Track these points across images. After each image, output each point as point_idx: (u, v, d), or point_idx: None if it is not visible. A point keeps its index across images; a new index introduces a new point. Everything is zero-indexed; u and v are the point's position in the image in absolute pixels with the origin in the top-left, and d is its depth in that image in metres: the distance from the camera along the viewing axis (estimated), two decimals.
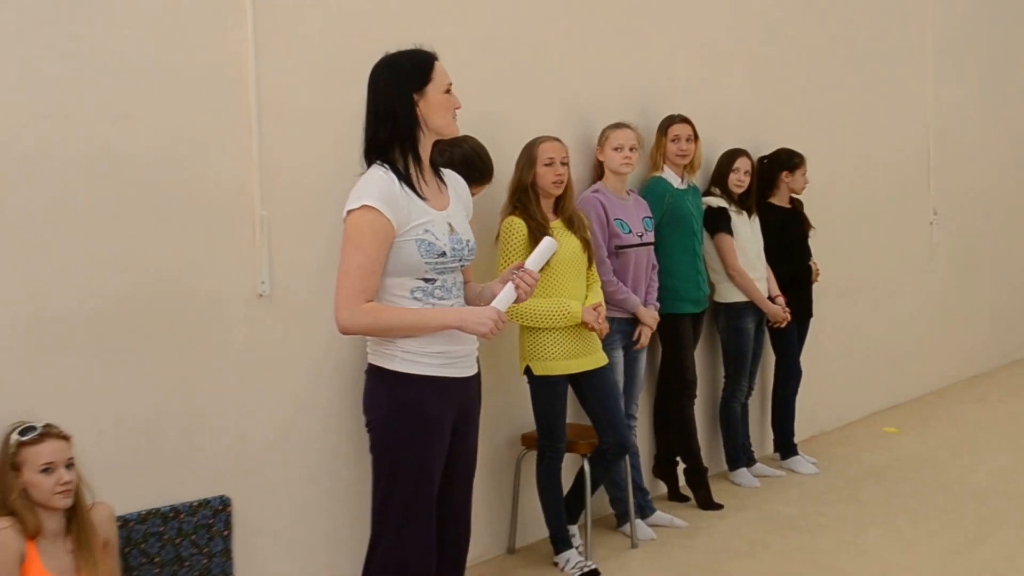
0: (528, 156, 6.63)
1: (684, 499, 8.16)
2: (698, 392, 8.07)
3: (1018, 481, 8.46)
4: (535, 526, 7.35)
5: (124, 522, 5.31)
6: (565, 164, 6.61)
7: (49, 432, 4.85)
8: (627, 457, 7.20)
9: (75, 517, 4.91)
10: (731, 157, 8.23)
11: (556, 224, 6.63)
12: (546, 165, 6.56)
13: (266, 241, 5.91)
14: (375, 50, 4.79)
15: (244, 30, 5.79)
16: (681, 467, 8.18)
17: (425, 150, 4.64)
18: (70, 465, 4.84)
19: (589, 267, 6.78)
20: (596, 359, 6.73)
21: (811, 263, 8.89)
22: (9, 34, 5.04)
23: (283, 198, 6.00)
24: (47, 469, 4.78)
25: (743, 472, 8.59)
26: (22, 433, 4.83)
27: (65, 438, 4.88)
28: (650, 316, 7.25)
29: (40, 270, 5.16)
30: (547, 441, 6.81)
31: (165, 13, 5.51)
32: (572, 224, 6.68)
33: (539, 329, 6.55)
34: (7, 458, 4.83)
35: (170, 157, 5.56)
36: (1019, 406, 11.07)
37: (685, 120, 7.74)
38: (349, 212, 4.48)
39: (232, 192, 5.81)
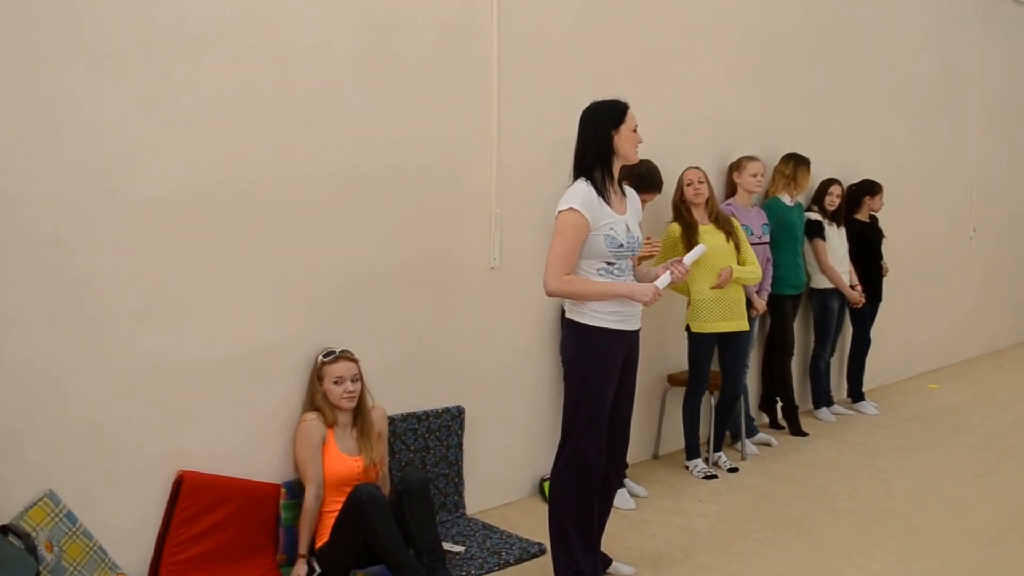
0: (679, 180, 6.76)
1: (780, 427, 8.21)
2: (794, 352, 8.16)
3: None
4: (673, 440, 7.44)
5: (392, 420, 5.50)
6: (702, 183, 6.68)
7: (342, 355, 5.09)
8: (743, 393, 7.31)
9: (359, 415, 5.16)
10: (827, 184, 8.28)
11: (707, 227, 6.71)
12: (688, 185, 6.71)
13: (498, 231, 6.08)
14: (583, 98, 4.85)
15: (490, 82, 5.95)
16: (779, 405, 8.24)
17: (615, 171, 4.75)
18: (355, 380, 5.06)
19: (738, 252, 6.80)
20: (738, 324, 6.79)
21: (882, 263, 8.93)
22: (343, 84, 5.31)
23: (511, 201, 6.14)
24: (338, 381, 5.03)
25: (824, 411, 8.61)
26: (324, 356, 5.09)
27: (354, 360, 5.10)
28: (759, 301, 7.35)
29: (350, 243, 5.37)
30: (695, 380, 6.92)
31: (438, 68, 5.68)
32: (719, 223, 6.74)
33: (700, 299, 6.70)
34: (315, 372, 5.11)
35: (436, 170, 5.73)
36: None
37: (808, 161, 7.92)
38: (560, 212, 4.59)
39: (477, 196, 5.97)
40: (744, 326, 6.85)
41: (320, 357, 5.16)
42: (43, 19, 4.25)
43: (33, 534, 4.11)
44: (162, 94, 4.64)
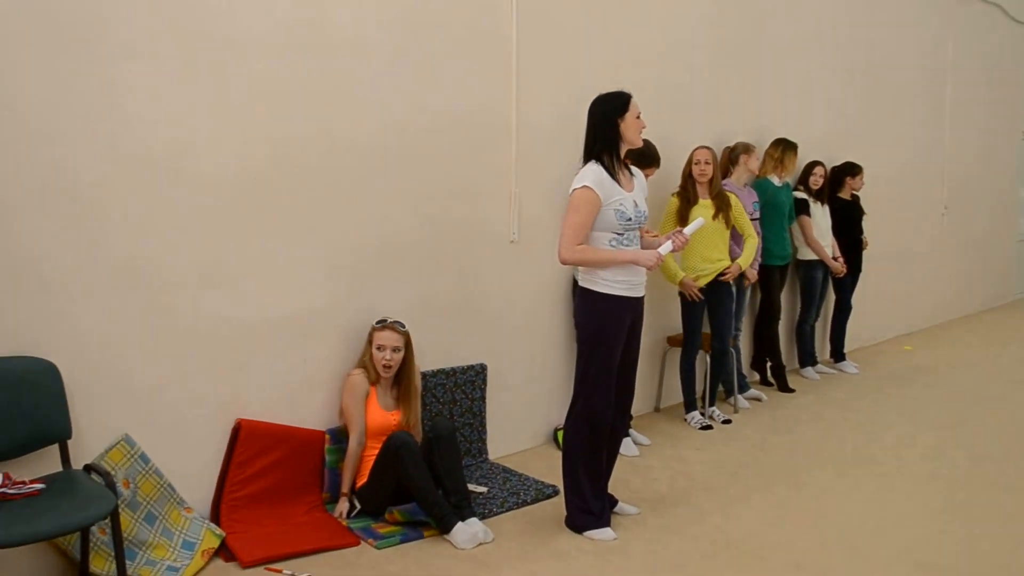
0: (688, 159, 6.82)
1: (769, 384, 8.28)
2: (781, 316, 8.21)
3: (989, 385, 8.47)
4: (672, 395, 7.53)
5: (423, 376, 5.60)
6: (709, 163, 6.72)
7: (389, 326, 5.17)
8: (733, 353, 7.39)
9: (401, 378, 5.24)
10: (811, 166, 8.32)
11: (705, 203, 6.78)
12: (695, 164, 6.76)
13: (516, 208, 6.17)
14: (591, 92, 4.93)
15: (510, 74, 6.03)
16: (768, 364, 8.34)
17: (622, 154, 4.81)
18: (397, 349, 5.14)
19: (727, 227, 6.88)
20: (716, 270, 6.92)
21: (863, 237, 8.98)
22: (379, 77, 5.42)
23: (528, 182, 6.21)
24: (380, 348, 5.13)
25: (809, 370, 8.69)
26: (377, 322, 5.19)
27: (400, 332, 5.19)
28: (751, 272, 7.40)
29: (387, 218, 5.46)
30: (688, 341, 7.00)
31: (463, 62, 5.77)
32: (718, 200, 6.80)
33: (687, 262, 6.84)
34: (369, 333, 5.23)
35: (462, 154, 5.81)
36: (994, 335, 10.96)
37: (795, 145, 8.00)
38: (574, 190, 4.66)
39: (498, 177, 6.05)
40: (722, 267, 6.92)
41: (374, 322, 5.28)
42: (114, 24, 4.34)
43: (112, 472, 4.25)
44: (218, 86, 4.74)
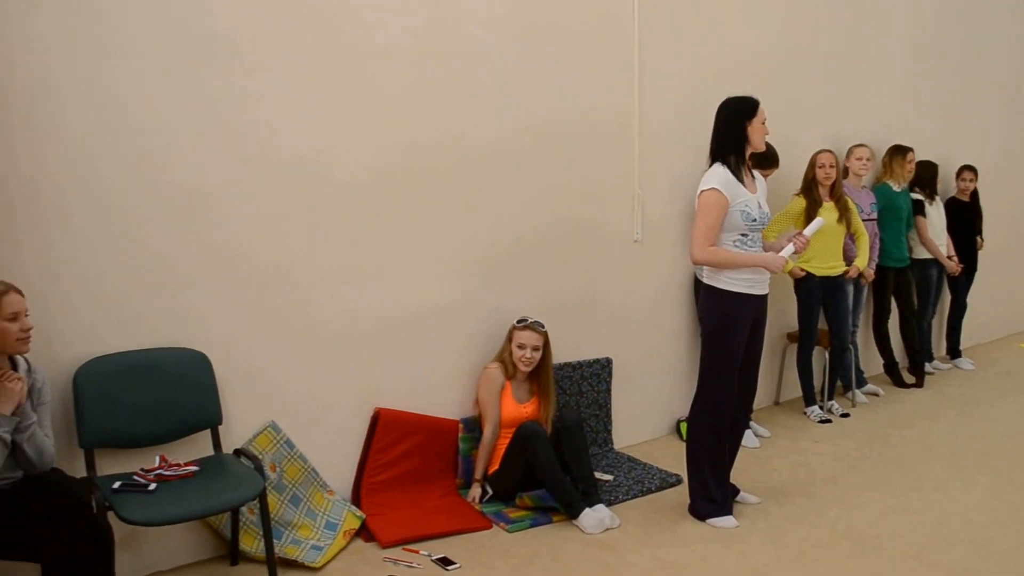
0: (811, 162, 6.61)
1: (905, 384, 7.96)
2: (901, 316, 8.02)
3: None
4: (792, 389, 7.31)
5: (554, 368, 5.44)
6: (833, 167, 6.53)
7: (530, 326, 5.12)
8: (851, 349, 7.16)
9: (538, 374, 5.20)
10: (930, 171, 8.12)
11: (828, 205, 6.57)
12: (819, 167, 6.55)
13: (640, 208, 6.04)
14: (711, 95, 4.87)
15: (632, 85, 5.91)
16: (880, 362, 8.13)
17: (747, 157, 4.69)
18: (536, 349, 5.08)
19: (848, 230, 6.69)
20: (837, 268, 6.74)
21: (978, 237, 8.69)
22: (506, 85, 5.39)
23: (651, 183, 6.07)
24: (520, 346, 5.07)
25: (925, 366, 8.40)
26: (518, 321, 5.14)
27: (540, 332, 5.12)
28: (867, 270, 7.13)
29: (517, 219, 5.42)
30: (805, 337, 6.80)
31: (589, 82, 5.68)
32: (838, 204, 6.59)
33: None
34: (509, 332, 5.17)
35: (589, 158, 5.73)
36: None
37: (907, 150, 7.76)
38: (702, 191, 4.56)
39: (621, 179, 5.92)
40: (841, 268, 6.74)
41: (515, 321, 5.23)
42: (258, 40, 4.37)
43: (260, 457, 4.25)
44: (354, 95, 4.72)
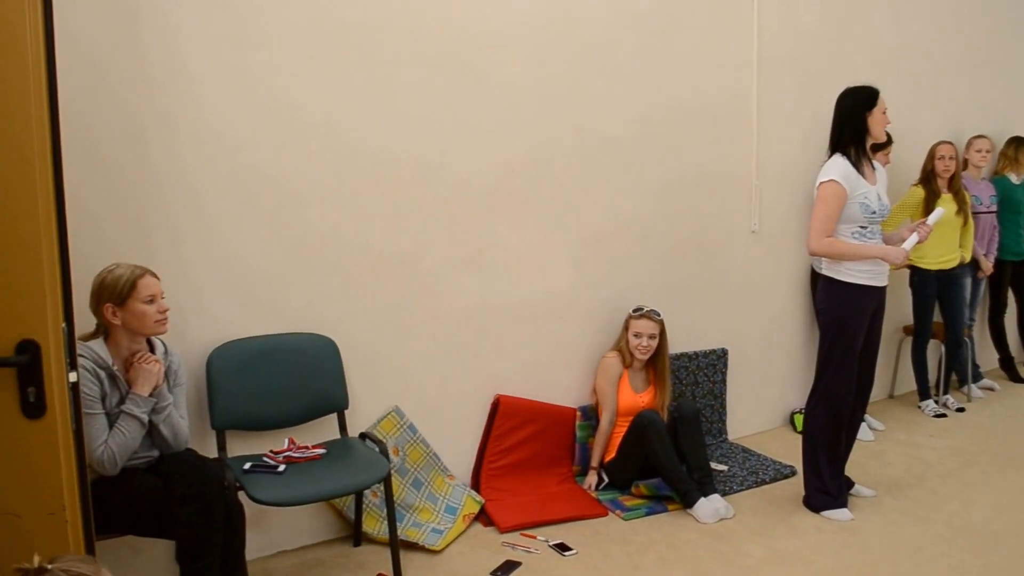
0: (930, 153, 6.40)
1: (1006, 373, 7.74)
2: (1019, 310, 7.70)
3: None
4: (907, 382, 7.11)
5: (670, 359, 5.33)
6: (953, 159, 6.31)
7: (646, 315, 5.04)
8: (967, 343, 6.92)
9: (655, 361, 5.10)
10: None
11: (947, 196, 6.36)
12: (939, 159, 6.34)
13: (758, 200, 5.89)
14: (828, 87, 4.74)
15: (751, 75, 5.76)
16: (996, 356, 7.85)
17: (867, 147, 4.54)
18: (652, 337, 5.00)
19: (964, 224, 6.48)
20: (952, 260, 6.52)
21: None
22: (628, 78, 5.30)
23: (768, 174, 5.93)
24: (637, 335, 4.99)
25: None
26: (634, 310, 5.06)
27: (655, 320, 5.03)
28: (985, 263, 6.96)
29: (637, 211, 5.32)
30: (920, 331, 6.59)
31: (707, 65, 5.55)
32: (956, 196, 6.38)
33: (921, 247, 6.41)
34: (626, 321, 5.09)
35: (708, 151, 5.61)
36: None
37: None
38: (821, 183, 4.43)
39: (739, 171, 5.79)
40: (956, 261, 6.51)
41: (631, 310, 5.15)
42: (392, 35, 4.34)
43: (384, 441, 4.24)
44: (477, 87, 4.67)
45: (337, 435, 4.22)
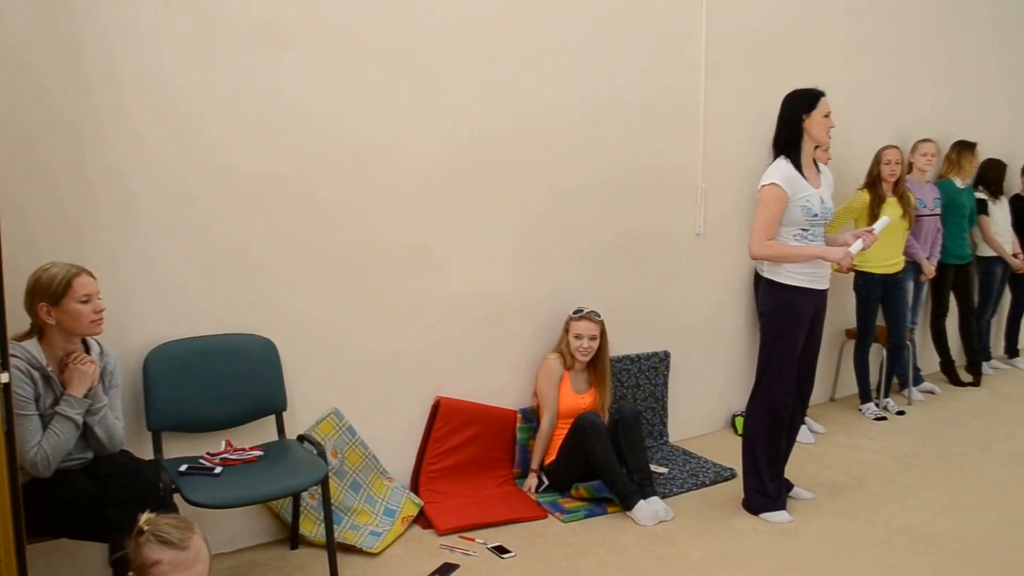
0: (876, 158, 6.53)
1: (962, 383, 7.87)
2: (960, 314, 7.87)
3: None
4: (848, 386, 7.27)
5: (612, 361, 5.44)
6: (899, 164, 6.44)
7: (586, 316, 5.11)
8: (909, 347, 7.07)
9: (595, 363, 5.18)
10: (996, 168, 8.00)
11: (891, 200, 6.48)
12: (886, 164, 6.45)
13: (703, 202, 6.00)
14: (777, 89, 4.82)
15: (698, 76, 5.86)
16: (937, 360, 8.01)
17: (808, 151, 4.60)
18: (593, 338, 5.07)
19: (910, 228, 6.63)
20: (895, 266, 6.66)
21: None
22: (577, 82, 5.36)
23: (714, 176, 6.03)
24: (578, 336, 5.07)
25: (982, 364, 8.26)
26: (573, 312, 5.13)
27: (596, 321, 5.10)
28: (928, 267, 7.09)
29: (583, 217, 5.39)
30: (862, 334, 6.74)
31: (654, 67, 5.64)
32: (901, 200, 6.50)
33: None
34: (566, 323, 5.16)
35: (652, 153, 5.70)
36: None
37: (973, 145, 7.65)
38: (763, 186, 4.51)
39: (686, 174, 5.89)
40: (901, 265, 6.68)
41: (571, 312, 5.22)
42: (336, 29, 4.38)
43: (322, 443, 4.29)
44: (428, 84, 4.73)
45: (275, 437, 4.26)
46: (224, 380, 4.08)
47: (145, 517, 2.27)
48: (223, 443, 3.99)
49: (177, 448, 4.04)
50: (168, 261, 4.00)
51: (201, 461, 3.84)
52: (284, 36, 4.21)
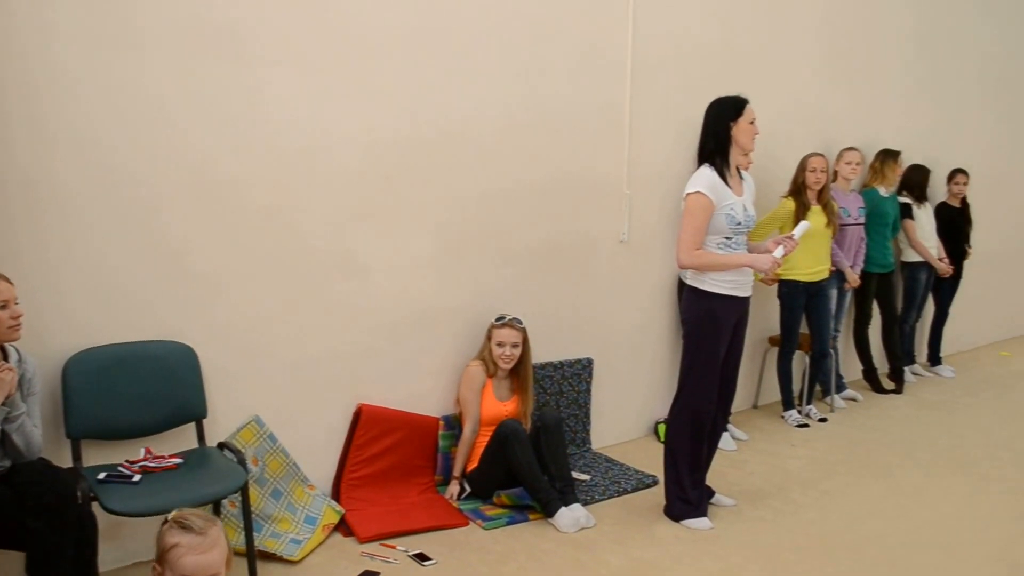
0: (801, 165, 6.64)
1: (882, 391, 8.04)
2: (883, 321, 8.01)
3: None
4: (771, 393, 7.38)
5: (533, 368, 5.48)
6: (824, 172, 6.56)
7: (509, 323, 5.18)
8: (832, 354, 7.20)
9: (518, 371, 5.26)
10: (920, 173, 8.17)
11: (816, 208, 6.60)
12: (811, 171, 6.57)
13: (628, 209, 6.09)
14: (703, 96, 4.90)
15: (624, 83, 5.95)
16: (860, 367, 8.14)
17: (734, 158, 4.70)
18: (516, 345, 5.14)
19: (833, 236, 6.76)
20: (820, 273, 6.80)
21: (966, 247, 8.73)
22: (501, 88, 5.45)
23: (639, 184, 6.11)
24: (500, 344, 5.13)
25: (905, 371, 8.37)
26: (496, 319, 5.19)
27: (519, 329, 5.18)
28: (851, 275, 7.21)
29: (507, 224, 5.46)
30: (786, 341, 6.86)
31: (580, 74, 5.72)
32: (825, 208, 6.63)
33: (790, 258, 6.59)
34: (488, 331, 5.22)
35: (578, 160, 5.78)
36: None
37: (896, 154, 7.80)
38: (688, 194, 4.57)
39: (610, 180, 5.97)
40: (826, 273, 6.81)
41: (494, 319, 5.29)
42: (258, 35, 4.43)
43: (243, 450, 4.34)
44: (354, 90, 4.78)
45: (195, 445, 4.30)
46: (144, 387, 4.12)
47: (174, 513, 2.43)
48: (142, 451, 4.02)
49: (96, 456, 4.06)
50: (88, 266, 4.02)
51: (120, 469, 3.88)
52: (207, 40, 4.25)
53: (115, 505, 3.54)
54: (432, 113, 5.10)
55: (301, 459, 4.82)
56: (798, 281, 6.75)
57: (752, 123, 4.71)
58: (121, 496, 3.62)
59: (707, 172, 4.64)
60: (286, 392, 4.73)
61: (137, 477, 3.81)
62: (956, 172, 8.56)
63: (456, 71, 5.17)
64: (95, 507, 3.56)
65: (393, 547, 4.53)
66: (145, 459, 3.97)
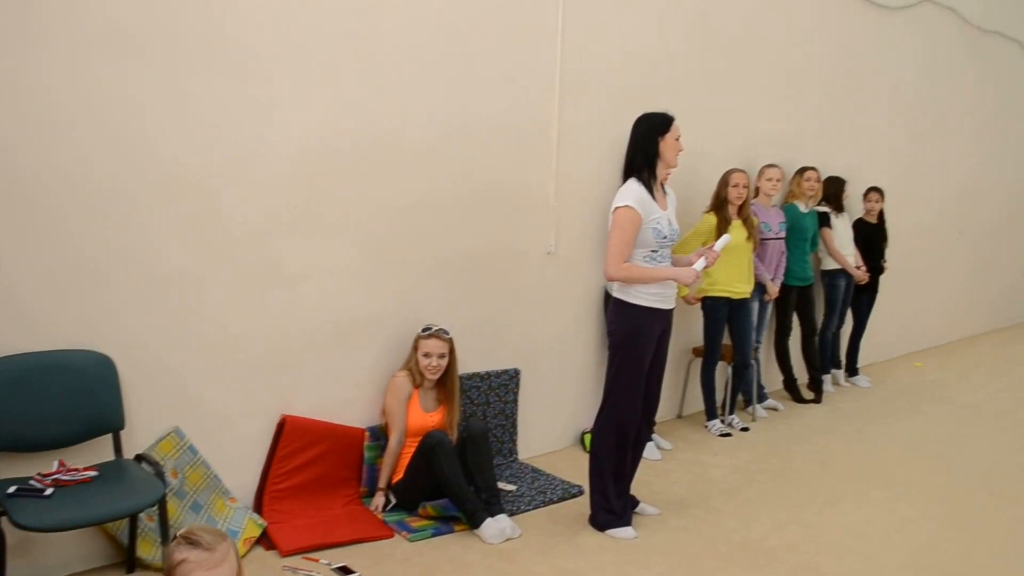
0: (723, 180, 6.67)
1: (804, 400, 8.11)
2: (803, 333, 8.09)
3: (998, 400, 8.35)
4: (694, 403, 7.41)
5: (460, 378, 5.43)
6: (746, 187, 6.62)
7: (435, 334, 5.11)
8: (753, 365, 7.27)
9: (444, 382, 5.19)
10: (837, 186, 8.24)
11: (736, 223, 6.65)
12: (733, 187, 6.61)
13: (555, 221, 6.06)
14: (630, 111, 4.91)
15: (552, 97, 5.92)
16: (780, 378, 8.22)
17: (661, 173, 4.73)
18: (442, 356, 5.09)
19: (755, 250, 6.83)
20: (742, 290, 6.84)
21: (883, 262, 8.82)
22: (428, 97, 5.40)
23: (567, 197, 6.10)
24: (427, 355, 5.07)
25: (825, 380, 8.47)
26: (423, 330, 5.13)
27: (445, 340, 5.12)
28: (772, 287, 7.27)
29: (431, 234, 5.39)
30: (709, 352, 6.89)
31: (507, 85, 5.68)
32: (746, 223, 6.69)
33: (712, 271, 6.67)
34: (415, 341, 5.15)
35: (504, 171, 5.73)
36: (1005, 354, 10.79)
37: (813, 169, 7.89)
38: (617, 208, 4.60)
39: (538, 193, 5.94)
40: (750, 288, 6.87)
41: (420, 330, 5.22)
42: (194, 36, 4.31)
43: (161, 463, 4.20)
44: (277, 97, 4.69)
45: (112, 457, 4.16)
46: (58, 398, 3.97)
47: (183, 528, 2.37)
48: (56, 463, 3.88)
49: (7, 469, 3.92)
50: (1, 272, 3.87)
51: (31, 482, 3.73)
52: (127, 42, 4.13)
53: (25, 520, 3.41)
54: (361, 122, 5.03)
55: (223, 471, 4.70)
56: (721, 297, 6.75)
57: (678, 139, 4.75)
58: (32, 510, 3.48)
59: (635, 186, 4.65)
60: (208, 403, 4.62)
61: (49, 491, 3.68)
62: (870, 190, 8.69)
63: (385, 81, 5.11)
64: (4, 522, 3.45)
65: (316, 560, 4.44)
66: (58, 472, 3.83)
